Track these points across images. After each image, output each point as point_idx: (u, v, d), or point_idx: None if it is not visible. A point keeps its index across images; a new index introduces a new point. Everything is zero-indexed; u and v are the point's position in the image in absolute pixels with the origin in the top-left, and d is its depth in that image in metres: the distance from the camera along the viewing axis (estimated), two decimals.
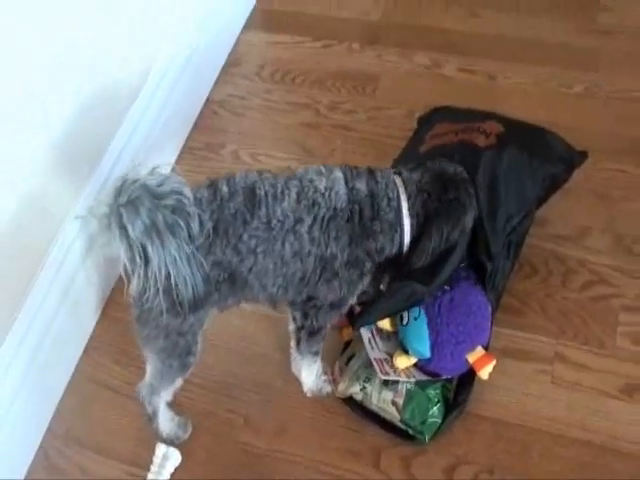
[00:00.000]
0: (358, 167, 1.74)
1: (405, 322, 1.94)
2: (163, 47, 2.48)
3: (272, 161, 2.54)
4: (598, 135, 2.36)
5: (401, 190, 1.70)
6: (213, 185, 1.66)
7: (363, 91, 2.69)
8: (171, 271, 1.50)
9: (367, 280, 1.79)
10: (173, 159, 2.57)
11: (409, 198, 1.70)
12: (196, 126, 2.69)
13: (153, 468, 2.01)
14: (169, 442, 2.03)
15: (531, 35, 2.70)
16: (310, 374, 2.01)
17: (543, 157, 2.07)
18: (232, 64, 2.86)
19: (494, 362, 1.91)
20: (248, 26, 2.98)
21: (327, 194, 1.67)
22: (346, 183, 1.68)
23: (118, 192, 1.48)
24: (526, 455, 1.90)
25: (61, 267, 2.06)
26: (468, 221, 1.76)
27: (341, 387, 2.02)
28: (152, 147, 2.31)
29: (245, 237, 1.63)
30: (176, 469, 2.02)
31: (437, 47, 2.74)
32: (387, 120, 2.55)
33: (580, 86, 2.54)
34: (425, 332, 1.89)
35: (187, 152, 2.62)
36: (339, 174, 1.70)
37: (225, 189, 1.64)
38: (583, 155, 2.13)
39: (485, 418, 1.96)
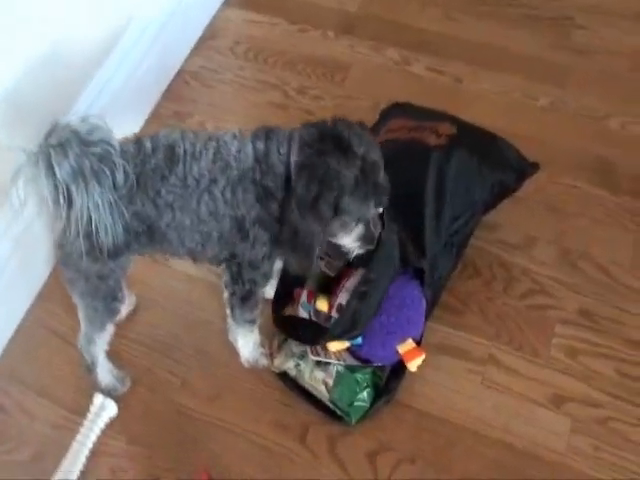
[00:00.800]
0: (266, 128, 1.51)
1: None
2: (139, 11, 2.18)
3: None
4: (557, 149, 2.08)
5: (293, 146, 1.45)
6: (138, 141, 1.50)
7: (332, 79, 2.38)
8: (93, 216, 1.38)
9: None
10: (140, 124, 2.27)
11: (299, 153, 1.44)
12: (167, 94, 2.38)
13: (89, 416, 1.76)
14: (107, 393, 1.78)
15: (504, 44, 2.38)
16: (246, 344, 1.77)
17: (494, 163, 1.83)
18: (208, 37, 2.53)
19: (423, 356, 1.66)
20: (228, 2, 2.64)
21: (238, 156, 1.47)
22: (253, 144, 1.48)
23: (49, 134, 1.38)
24: (449, 450, 1.66)
25: (16, 217, 1.79)
26: (343, 176, 1.39)
27: (277, 362, 1.77)
28: (119, 111, 2.00)
29: (163, 192, 1.46)
30: (111, 420, 1.77)
31: (410, 44, 2.42)
32: (352, 110, 2.20)
33: (546, 99, 2.23)
34: None
35: (155, 118, 2.31)
36: (249, 136, 1.50)
37: (148, 145, 1.48)
38: (534, 166, 1.87)
39: (413, 409, 1.71)
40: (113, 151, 1.40)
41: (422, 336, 1.72)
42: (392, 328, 1.65)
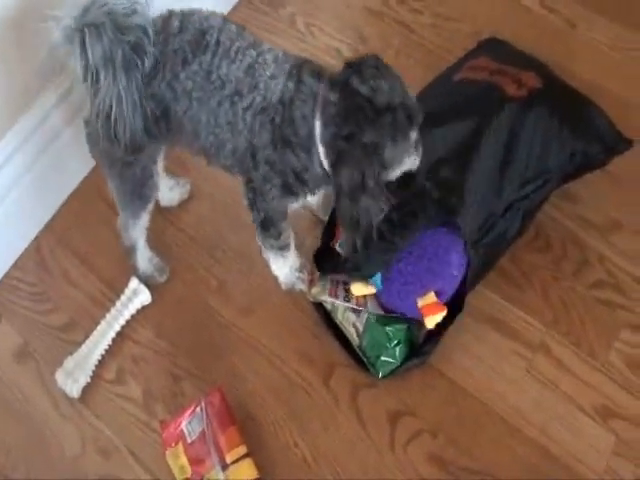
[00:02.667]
0: (303, 64, 0.93)
1: None
2: None
3: (325, 38, 1.45)
4: None
5: (317, 113, 0.89)
6: (168, 17, 0.94)
7: None
8: (114, 109, 0.90)
9: (299, 198, 1.00)
10: (228, 8, 1.49)
11: (324, 129, 0.89)
12: None
13: (122, 298, 1.18)
14: (144, 280, 1.19)
15: None
16: (279, 268, 1.16)
17: (577, 130, 1.10)
18: None
19: (444, 313, 1.03)
20: None
21: (268, 83, 0.91)
22: (285, 81, 0.91)
23: (86, 10, 0.87)
24: (476, 433, 1.04)
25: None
26: (379, 146, 0.86)
27: (314, 290, 1.13)
28: None
29: (182, 77, 0.92)
30: (143, 308, 1.19)
31: None
32: (450, 33, 1.42)
33: None
34: None
35: (246, 2, 1.52)
36: (287, 67, 0.92)
37: (176, 24, 0.93)
38: (626, 143, 1.12)
39: (446, 378, 1.08)
40: (147, 40, 0.90)
41: (464, 295, 1.06)
42: (410, 278, 1.05)
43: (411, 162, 0.94)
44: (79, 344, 1.17)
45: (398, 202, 0.99)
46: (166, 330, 1.19)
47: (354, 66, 0.88)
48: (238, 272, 1.22)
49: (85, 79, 0.88)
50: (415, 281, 1.05)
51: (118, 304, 1.20)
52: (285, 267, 1.15)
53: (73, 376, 1.13)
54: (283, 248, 1.11)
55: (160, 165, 1.11)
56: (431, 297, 1.04)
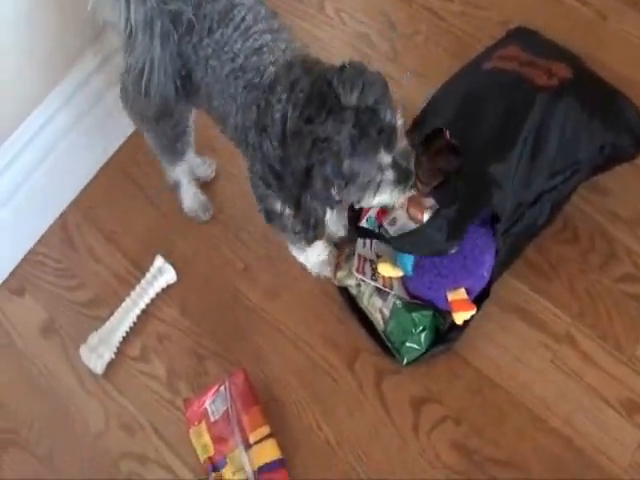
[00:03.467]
0: (307, 56, 0.90)
1: None
2: None
3: (353, 23, 1.41)
4: None
5: (290, 102, 0.83)
6: None
7: None
8: (146, 69, 0.91)
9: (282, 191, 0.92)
10: None
11: (291, 115, 0.83)
12: None
13: (147, 276, 1.18)
14: (191, 216, 1.22)
15: None
16: (306, 259, 1.13)
17: (607, 122, 1.08)
18: None
19: (473, 311, 1.02)
20: None
21: (269, 67, 0.89)
22: (277, 69, 0.88)
23: None
24: (500, 422, 1.03)
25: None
26: (334, 141, 0.79)
27: (340, 274, 1.11)
28: None
29: (204, 43, 0.92)
30: (168, 286, 1.18)
31: None
32: (480, 21, 1.37)
33: None
34: None
35: None
36: (289, 55, 0.90)
37: None
38: None
39: (471, 366, 1.07)
40: (186, 9, 0.91)
41: (490, 285, 1.05)
42: (444, 271, 1.04)
43: (387, 194, 0.88)
44: (104, 320, 1.17)
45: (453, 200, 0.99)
46: (191, 309, 1.18)
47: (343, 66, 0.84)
48: (264, 255, 1.21)
49: (124, 33, 0.88)
50: (449, 275, 1.04)
51: (143, 282, 1.19)
52: (310, 257, 1.13)
53: (97, 352, 1.12)
54: (293, 242, 1.08)
55: (192, 124, 1.10)
56: (462, 293, 1.03)
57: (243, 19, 0.93)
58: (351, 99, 0.79)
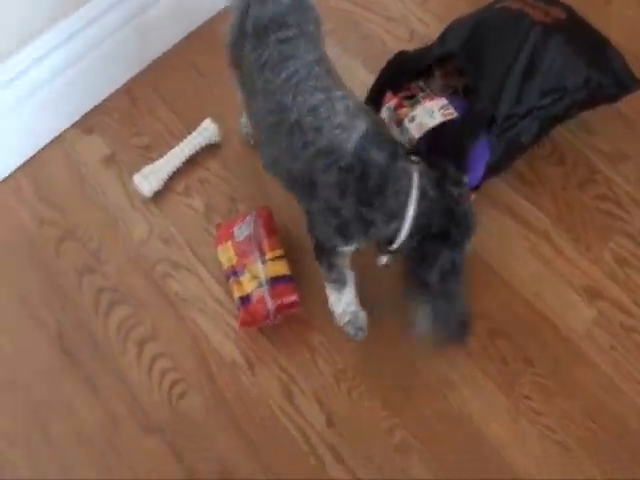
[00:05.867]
0: (384, 128, 0.98)
1: None
2: None
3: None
4: None
5: (413, 197, 0.91)
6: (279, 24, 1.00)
7: None
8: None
9: (350, 243, 1.00)
10: None
11: (418, 209, 0.91)
12: None
13: (194, 132, 1.33)
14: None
15: None
16: (333, 302, 1.12)
17: (593, 61, 1.23)
18: None
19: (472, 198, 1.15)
20: None
21: (336, 131, 0.91)
22: (360, 139, 0.91)
23: None
24: (481, 288, 1.14)
25: None
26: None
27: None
28: None
29: (257, 75, 0.99)
30: (214, 146, 1.33)
31: None
32: None
33: None
34: None
35: None
36: (359, 124, 0.92)
37: (289, 33, 0.98)
38: (637, 83, 1.26)
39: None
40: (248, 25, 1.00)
41: (481, 183, 1.20)
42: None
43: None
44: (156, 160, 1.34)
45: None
46: (232, 166, 1.34)
47: (436, 165, 0.96)
48: None
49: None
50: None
51: (189, 136, 1.35)
52: (339, 305, 1.12)
53: (148, 179, 1.29)
54: (336, 282, 1.09)
55: None
56: None
57: (296, 72, 0.96)
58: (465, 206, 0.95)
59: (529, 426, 1.07)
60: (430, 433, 1.07)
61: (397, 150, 0.94)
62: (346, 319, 1.13)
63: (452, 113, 1.22)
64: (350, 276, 1.09)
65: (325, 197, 0.94)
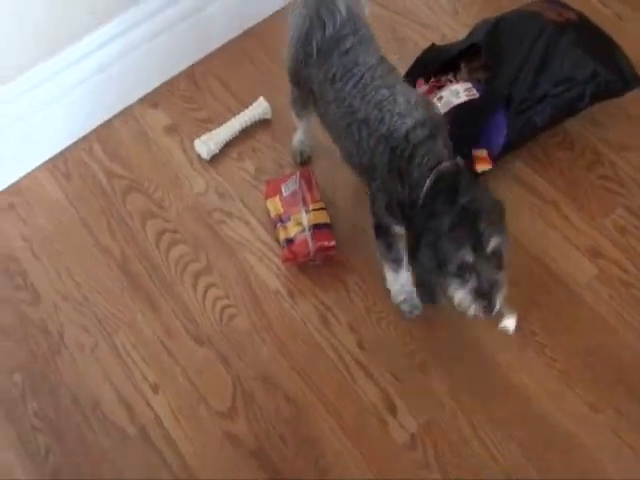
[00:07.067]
0: (440, 118, 1.11)
1: None
2: None
3: None
4: None
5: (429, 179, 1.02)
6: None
7: None
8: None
9: (397, 223, 1.12)
10: None
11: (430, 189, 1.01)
12: None
13: (247, 108, 1.53)
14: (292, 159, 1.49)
15: None
16: (390, 282, 1.24)
17: (601, 59, 1.41)
18: None
19: (490, 167, 1.36)
20: None
21: (395, 118, 1.05)
22: (412, 126, 1.04)
23: None
24: None
25: None
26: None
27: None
28: None
29: (327, 87, 1.14)
30: (265, 122, 1.52)
31: None
32: None
33: None
34: None
35: None
36: (417, 113, 1.06)
37: (347, 45, 1.12)
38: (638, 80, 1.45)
39: None
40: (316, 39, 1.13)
41: (499, 156, 1.39)
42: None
43: (461, 296, 1.00)
44: None
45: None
46: (280, 139, 1.52)
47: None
48: None
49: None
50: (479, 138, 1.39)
51: (247, 109, 1.55)
52: (396, 284, 1.23)
53: (207, 144, 1.49)
54: (394, 262, 1.19)
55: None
56: (483, 152, 1.38)
57: (362, 77, 1.10)
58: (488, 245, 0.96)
59: (535, 356, 1.22)
60: (448, 356, 1.23)
61: (446, 141, 1.05)
62: (401, 298, 1.25)
63: (475, 94, 1.43)
64: (406, 258, 1.16)
65: (379, 176, 1.09)
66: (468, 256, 0.96)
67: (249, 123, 1.54)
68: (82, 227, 1.44)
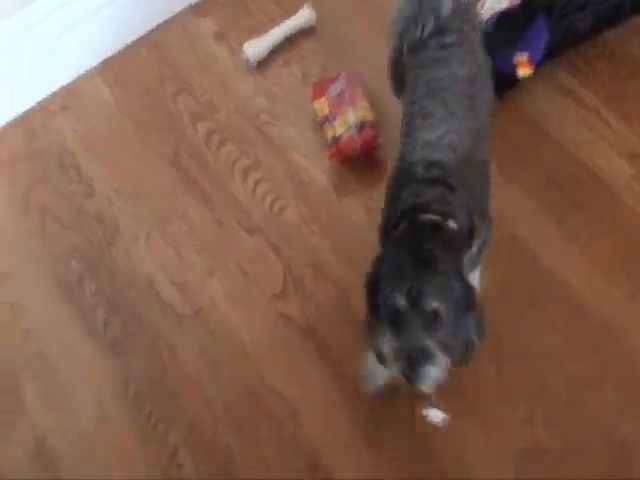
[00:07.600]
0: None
1: None
2: None
3: None
4: None
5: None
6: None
7: None
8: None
9: None
10: None
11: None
12: None
13: (294, 15, 1.55)
14: None
15: None
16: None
17: None
18: None
19: (531, 71, 1.36)
20: None
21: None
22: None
23: None
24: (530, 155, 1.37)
25: None
26: None
27: None
28: None
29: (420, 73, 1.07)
30: (306, 28, 1.54)
31: None
32: None
33: None
34: None
35: None
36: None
37: (449, 40, 1.06)
38: None
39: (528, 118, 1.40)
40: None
41: (541, 62, 1.39)
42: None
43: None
44: None
45: None
46: (325, 45, 1.54)
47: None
48: None
49: None
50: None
51: (293, 16, 1.57)
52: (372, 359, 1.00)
53: (254, 47, 1.53)
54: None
55: None
56: (524, 57, 1.39)
57: (440, 79, 1.03)
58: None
59: (578, 251, 1.26)
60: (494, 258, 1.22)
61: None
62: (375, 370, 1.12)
63: (517, 1, 1.45)
64: None
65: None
66: (400, 302, 0.80)
67: (296, 29, 1.56)
68: (133, 126, 1.50)
